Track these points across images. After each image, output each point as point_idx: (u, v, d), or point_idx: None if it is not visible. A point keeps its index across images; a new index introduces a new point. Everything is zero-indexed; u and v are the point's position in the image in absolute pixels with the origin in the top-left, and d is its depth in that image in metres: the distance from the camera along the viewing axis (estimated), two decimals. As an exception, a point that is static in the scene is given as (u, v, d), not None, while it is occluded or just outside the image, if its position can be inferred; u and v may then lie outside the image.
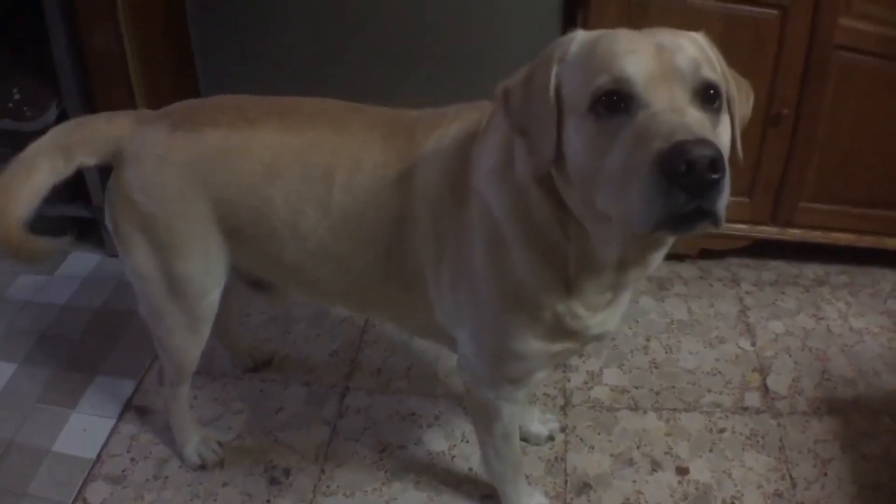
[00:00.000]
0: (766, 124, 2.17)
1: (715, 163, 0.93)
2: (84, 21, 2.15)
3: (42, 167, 1.46)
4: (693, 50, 1.07)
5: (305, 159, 1.41)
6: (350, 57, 2.10)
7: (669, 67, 1.04)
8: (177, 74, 2.22)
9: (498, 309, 1.32)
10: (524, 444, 1.86)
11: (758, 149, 2.21)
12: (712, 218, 0.97)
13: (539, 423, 1.90)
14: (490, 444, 1.58)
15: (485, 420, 1.53)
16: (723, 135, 1.09)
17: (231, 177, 1.42)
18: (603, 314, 1.33)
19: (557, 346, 1.37)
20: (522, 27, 2.03)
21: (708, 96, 1.06)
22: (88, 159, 1.48)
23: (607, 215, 1.06)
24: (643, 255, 1.21)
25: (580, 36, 1.13)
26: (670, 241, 1.21)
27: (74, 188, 2.36)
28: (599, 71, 1.05)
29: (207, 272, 1.53)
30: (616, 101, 1.03)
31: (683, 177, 0.92)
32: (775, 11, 2.03)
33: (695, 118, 1.00)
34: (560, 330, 1.32)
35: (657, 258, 1.25)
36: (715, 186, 0.94)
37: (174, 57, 2.21)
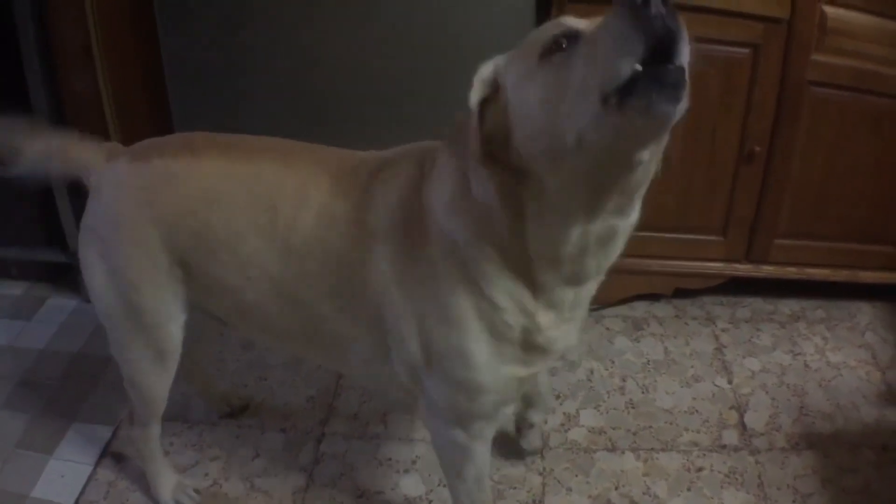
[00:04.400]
0: (739, 162, 2.19)
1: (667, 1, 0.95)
2: (61, 66, 2.17)
3: (35, 145, 1.55)
4: None
5: (248, 187, 1.43)
6: (326, 102, 2.12)
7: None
8: (153, 120, 2.22)
9: (471, 343, 1.32)
10: (502, 478, 1.87)
11: (731, 187, 2.23)
12: (679, 70, 0.97)
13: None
14: (463, 491, 1.57)
15: (457, 465, 1.52)
16: None
17: (173, 200, 1.45)
18: (564, 328, 1.34)
19: (525, 371, 1.38)
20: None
21: None
22: (60, 171, 1.58)
23: (580, 149, 1.04)
24: (602, 238, 1.20)
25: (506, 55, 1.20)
26: (626, 227, 1.20)
27: (50, 233, 2.37)
28: (541, 36, 1.10)
29: (162, 301, 1.54)
30: (565, 44, 1.06)
31: (644, 9, 0.93)
32: (747, 50, 2.05)
33: None
34: (528, 348, 1.34)
35: (615, 247, 1.24)
36: (676, 18, 0.96)
37: (150, 103, 2.22)
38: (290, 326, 1.50)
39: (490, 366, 1.34)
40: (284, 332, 1.54)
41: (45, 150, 1.56)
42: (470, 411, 1.42)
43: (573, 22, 1.10)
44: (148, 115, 2.26)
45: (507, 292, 1.27)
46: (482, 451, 1.50)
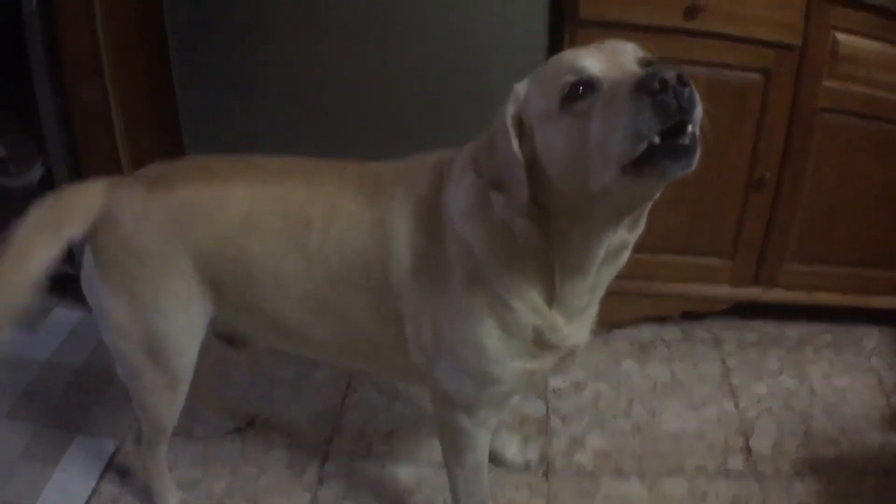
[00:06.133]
0: (749, 187, 2.19)
1: (682, 76, 1.03)
2: (70, 79, 2.16)
3: (38, 250, 1.47)
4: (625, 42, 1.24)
5: (281, 209, 1.46)
6: (336, 115, 2.12)
7: (613, 51, 1.20)
8: (162, 133, 2.22)
9: (482, 337, 1.38)
10: (507, 502, 1.86)
11: (740, 211, 2.23)
12: (692, 138, 1.06)
13: (518, 450, 1.98)
14: (460, 477, 1.64)
15: (458, 450, 1.59)
16: None
17: (208, 229, 1.46)
18: (576, 325, 1.42)
19: (534, 365, 1.44)
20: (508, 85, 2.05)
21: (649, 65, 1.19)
22: (75, 232, 1.50)
23: (604, 196, 1.14)
24: (617, 250, 1.31)
25: (522, 83, 1.27)
26: (644, 216, 1.29)
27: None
28: (559, 77, 1.16)
29: (188, 328, 1.55)
30: (582, 91, 1.13)
31: (660, 93, 1.02)
32: (758, 75, 2.05)
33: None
34: (539, 345, 1.41)
35: (625, 256, 1.35)
36: (690, 95, 1.04)
37: (159, 116, 2.21)
38: (322, 334, 1.54)
39: (500, 358, 1.40)
40: (316, 341, 1.58)
41: (47, 229, 1.49)
42: (478, 399, 1.48)
43: (590, 63, 1.16)
44: (156, 127, 2.25)
45: (520, 296, 1.34)
46: (484, 439, 1.57)
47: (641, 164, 1.06)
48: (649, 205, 1.25)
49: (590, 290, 1.37)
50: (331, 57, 2.06)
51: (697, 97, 1.05)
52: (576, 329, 1.43)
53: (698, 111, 1.06)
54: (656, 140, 1.04)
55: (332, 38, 2.04)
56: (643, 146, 1.05)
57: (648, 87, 1.02)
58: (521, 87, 1.25)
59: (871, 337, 2.48)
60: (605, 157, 1.09)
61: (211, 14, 2.04)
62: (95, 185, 1.54)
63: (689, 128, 1.05)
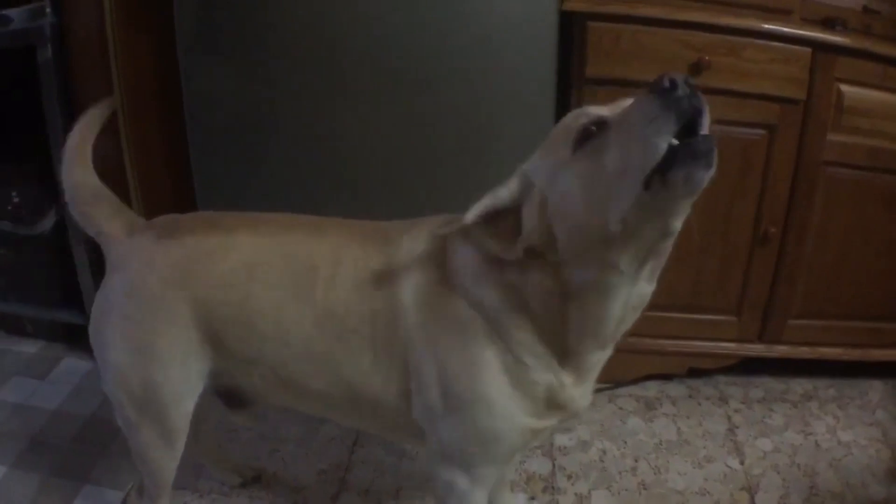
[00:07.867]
0: (754, 243, 2.20)
1: (689, 79, 1.07)
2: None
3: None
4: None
5: (286, 256, 1.48)
6: (348, 176, 2.15)
7: (619, 105, 1.21)
8: (175, 186, 2.25)
9: (493, 393, 1.37)
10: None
11: (745, 268, 2.24)
12: (708, 139, 1.09)
13: None
14: None
15: None
16: None
17: (210, 275, 1.48)
18: (582, 388, 1.42)
19: (540, 424, 1.42)
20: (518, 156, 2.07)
21: None
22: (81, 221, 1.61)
23: (624, 233, 1.15)
24: (637, 305, 1.31)
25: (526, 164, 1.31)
26: (651, 291, 1.29)
27: (67, 293, 2.38)
28: (570, 131, 1.20)
29: (185, 379, 1.55)
30: (595, 129, 1.17)
31: (671, 91, 1.06)
32: (763, 131, 2.08)
33: None
34: (549, 404, 1.40)
35: (641, 310, 1.33)
36: (699, 96, 1.08)
37: (173, 172, 2.24)
38: (322, 387, 1.53)
39: (509, 415, 1.39)
40: (316, 394, 1.56)
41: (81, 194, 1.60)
42: (480, 457, 1.46)
43: (597, 109, 1.21)
44: (170, 184, 2.28)
45: (534, 354, 1.34)
46: (480, 499, 1.54)
47: (666, 171, 1.07)
48: (669, 247, 1.24)
49: (602, 347, 1.37)
50: (343, 119, 2.08)
51: (705, 102, 1.09)
52: (583, 391, 1.43)
53: (707, 117, 1.09)
54: (674, 142, 1.07)
55: (344, 100, 2.06)
56: (664, 147, 1.06)
57: (659, 86, 1.06)
58: (527, 164, 1.29)
59: (875, 389, 2.49)
60: (626, 175, 1.10)
61: (226, 72, 2.07)
62: (119, 221, 1.58)
63: (704, 131, 1.09)
